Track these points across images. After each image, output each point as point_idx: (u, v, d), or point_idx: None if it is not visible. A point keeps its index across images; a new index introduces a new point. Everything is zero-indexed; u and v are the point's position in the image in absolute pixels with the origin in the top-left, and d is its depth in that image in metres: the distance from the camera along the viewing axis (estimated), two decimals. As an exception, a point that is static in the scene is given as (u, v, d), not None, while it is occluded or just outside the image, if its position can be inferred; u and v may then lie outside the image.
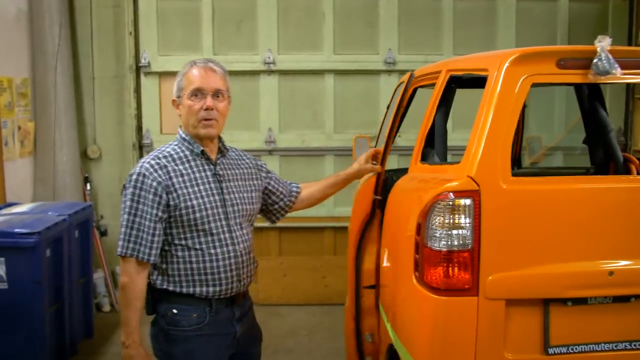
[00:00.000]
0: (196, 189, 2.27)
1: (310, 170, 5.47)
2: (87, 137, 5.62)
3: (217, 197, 2.31)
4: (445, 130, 2.61)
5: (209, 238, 2.27)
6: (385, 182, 2.84)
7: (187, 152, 2.32)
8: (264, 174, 2.58)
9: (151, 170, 2.24)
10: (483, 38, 5.49)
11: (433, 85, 3.01)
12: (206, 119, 2.29)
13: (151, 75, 5.49)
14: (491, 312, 2.02)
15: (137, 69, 5.48)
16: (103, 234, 5.55)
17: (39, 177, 5.27)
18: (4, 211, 4.21)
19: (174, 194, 2.24)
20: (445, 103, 2.60)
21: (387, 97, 5.50)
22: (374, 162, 2.89)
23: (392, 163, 5.17)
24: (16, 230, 3.67)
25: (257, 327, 2.56)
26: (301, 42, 5.51)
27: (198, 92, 2.28)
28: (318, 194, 2.73)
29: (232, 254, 2.30)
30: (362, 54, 5.52)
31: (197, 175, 2.30)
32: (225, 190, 2.34)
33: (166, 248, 2.28)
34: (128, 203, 2.22)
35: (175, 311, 2.26)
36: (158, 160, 2.27)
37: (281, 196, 2.64)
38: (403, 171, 3.86)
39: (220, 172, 2.36)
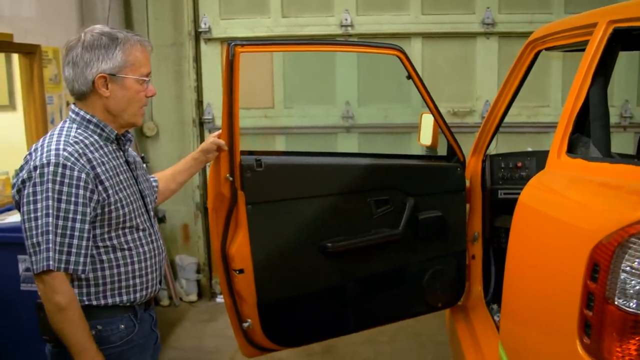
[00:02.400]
0: (117, 179, 1.96)
1: (394, 150, 4.69)
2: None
3: (135, 188, 2.05)
4: (607, 110, 1.86)
5: (136, 235, 2.00)
6: (242, 164, 2.53)
7: (96, 137, 1.96)
8: None
9: (72, 159, 1.83)
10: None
11: (570, 45, 2.29)
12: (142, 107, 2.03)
13: (212, 42, 4.90)
14: None
15: (197, 36, 4.88)
16: (161, 220, 5.05)
17: (90, 157, 4.83)
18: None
19: (100, 187, 1.88)
20: (604, 70, 1.86)
21: (484, 63, 4.80)
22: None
23: (494, 144, 4.43)
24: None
25: None
26: (383, 1, 4.80)
27: (146, 77, 1.98)
28: (172, 183, 2.47)
29: (156, 251, 2.08)
30: (455, 13, 4.77)
31: (115, 163, 1.98)
32: (138, 180, 2.10)
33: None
34: (49, 203, 1.79)
35: (100, 327, 1.93)
36: (75, 147, 1.86)
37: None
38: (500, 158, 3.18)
39: (130, 159, 2.08)
